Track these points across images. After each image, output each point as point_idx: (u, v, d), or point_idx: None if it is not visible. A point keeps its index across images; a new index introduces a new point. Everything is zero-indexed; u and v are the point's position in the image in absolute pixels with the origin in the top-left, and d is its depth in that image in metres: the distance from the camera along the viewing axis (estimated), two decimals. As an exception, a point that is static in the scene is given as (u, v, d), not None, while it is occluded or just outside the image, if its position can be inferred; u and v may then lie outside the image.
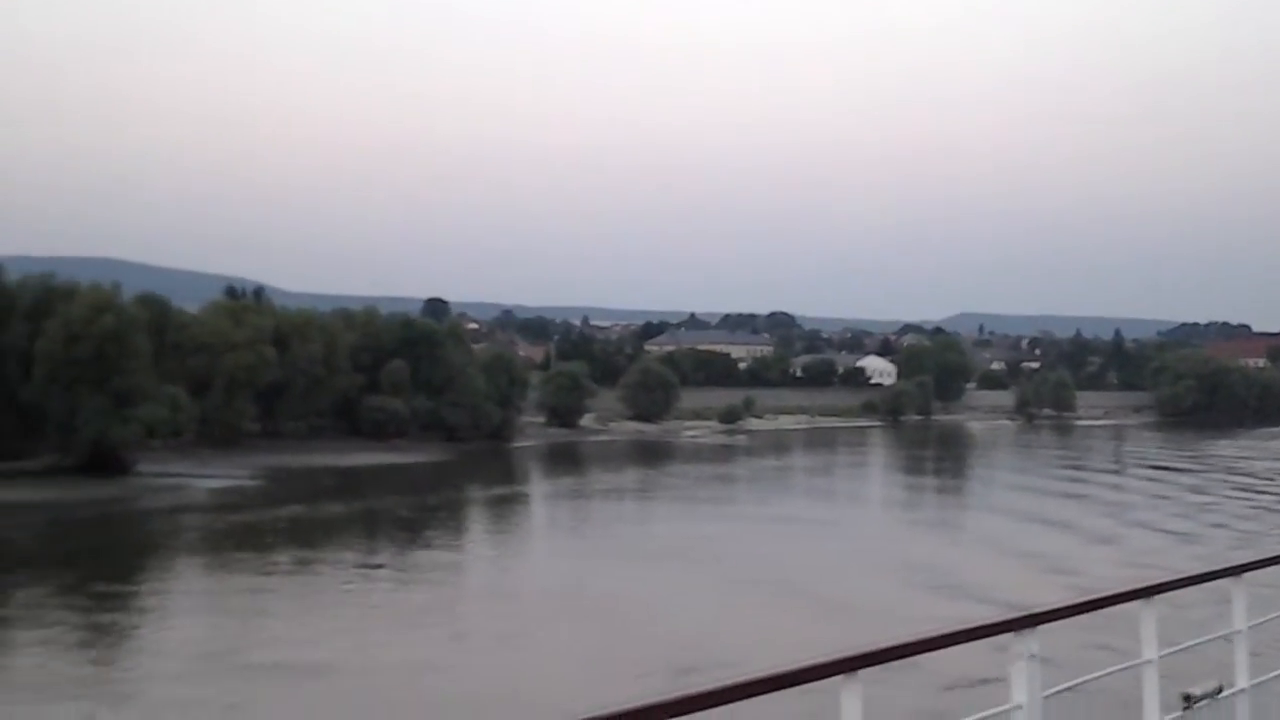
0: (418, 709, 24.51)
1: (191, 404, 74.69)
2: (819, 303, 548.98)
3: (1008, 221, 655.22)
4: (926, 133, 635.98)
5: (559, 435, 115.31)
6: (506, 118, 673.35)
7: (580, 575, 41.74)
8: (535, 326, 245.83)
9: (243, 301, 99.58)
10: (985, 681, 11.91)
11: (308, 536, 51.87)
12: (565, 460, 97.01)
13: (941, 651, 4.38)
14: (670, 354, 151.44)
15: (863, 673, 3.88)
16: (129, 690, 26.62)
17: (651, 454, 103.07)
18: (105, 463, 69.65)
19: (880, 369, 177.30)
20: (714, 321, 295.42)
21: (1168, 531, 52.46)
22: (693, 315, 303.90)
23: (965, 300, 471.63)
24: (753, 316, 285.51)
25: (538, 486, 79.75)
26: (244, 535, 51.01)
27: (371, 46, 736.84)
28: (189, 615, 35.01)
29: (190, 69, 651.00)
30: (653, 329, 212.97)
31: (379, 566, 45.30)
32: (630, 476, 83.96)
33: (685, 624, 31.28)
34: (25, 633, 32.49)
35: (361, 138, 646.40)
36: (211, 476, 69.62)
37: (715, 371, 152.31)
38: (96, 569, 42.90)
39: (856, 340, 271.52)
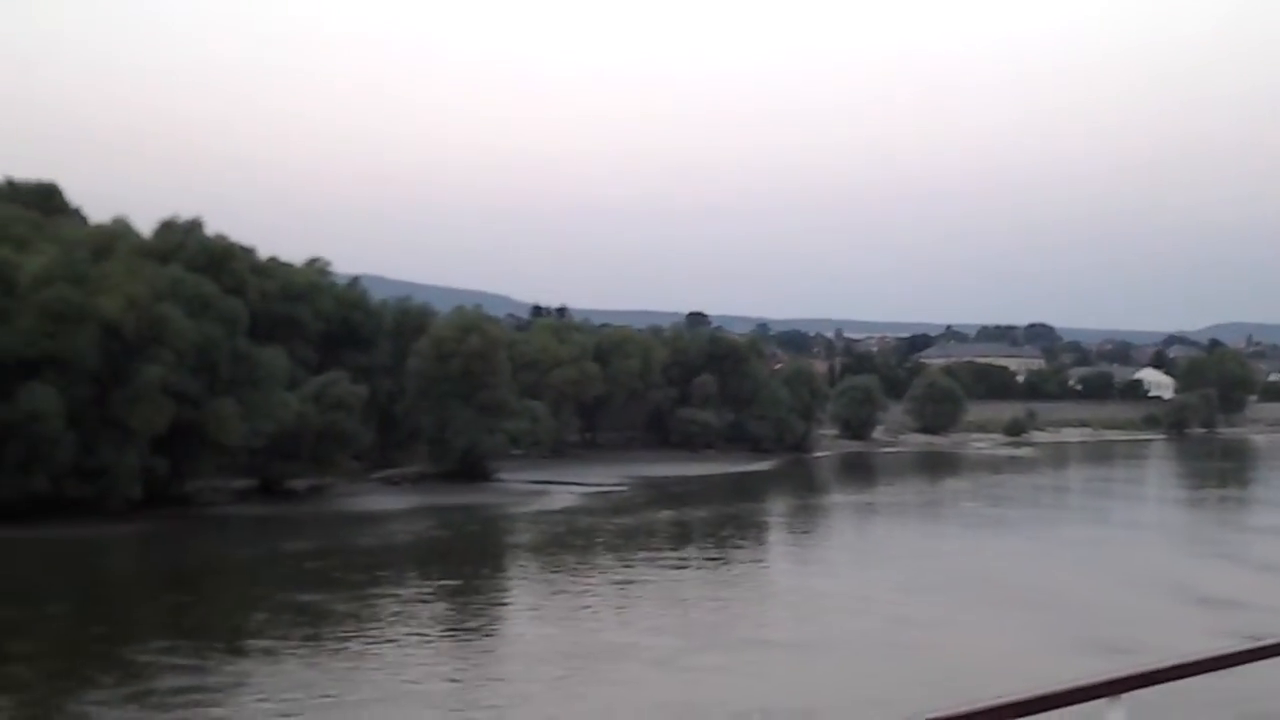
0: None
1: (548, 417, 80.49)
2: (1072, 313, 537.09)
3: (1260, 227, 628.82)
4: (1167, 140, 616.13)
5: (852, 447, 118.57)
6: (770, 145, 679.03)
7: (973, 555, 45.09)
8: (795, 340, 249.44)
9: (566, 320, 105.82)
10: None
11: (691, 534, 56.66)
12: (870, 471, 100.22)
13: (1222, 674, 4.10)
14: (949, 367, 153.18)
15: (1127, 696, 3.67)
16: (663, 657, 31.09)
17: (948, 465, 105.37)
18: (471, 471, 76.12)
19: (1157, 381, 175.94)
20: (971, 333, 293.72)
21: None
22: (949, 327, 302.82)
23: (1225, 310, 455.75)
24: (1011, 328, 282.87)
25: (876, 494, 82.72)
26: (639, 533, 55.97)
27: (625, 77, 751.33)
28: (647, 602, 39.68)
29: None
30: (919, 342, 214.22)
31: (764, 561, 49.74)
32: (946, 487, 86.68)
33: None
34: (519, 610, 37.60)
35: (624, 163, 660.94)
36: (570, 483, 75.21)
37: (994, 384, 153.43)
38: (548, 559, 48.26)
39: (1120, 351, 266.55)
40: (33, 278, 54.18)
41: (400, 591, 41.13)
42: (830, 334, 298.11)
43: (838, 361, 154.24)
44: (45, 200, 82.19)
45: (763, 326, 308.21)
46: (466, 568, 47.39)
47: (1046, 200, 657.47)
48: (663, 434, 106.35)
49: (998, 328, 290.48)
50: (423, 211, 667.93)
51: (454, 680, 29.18)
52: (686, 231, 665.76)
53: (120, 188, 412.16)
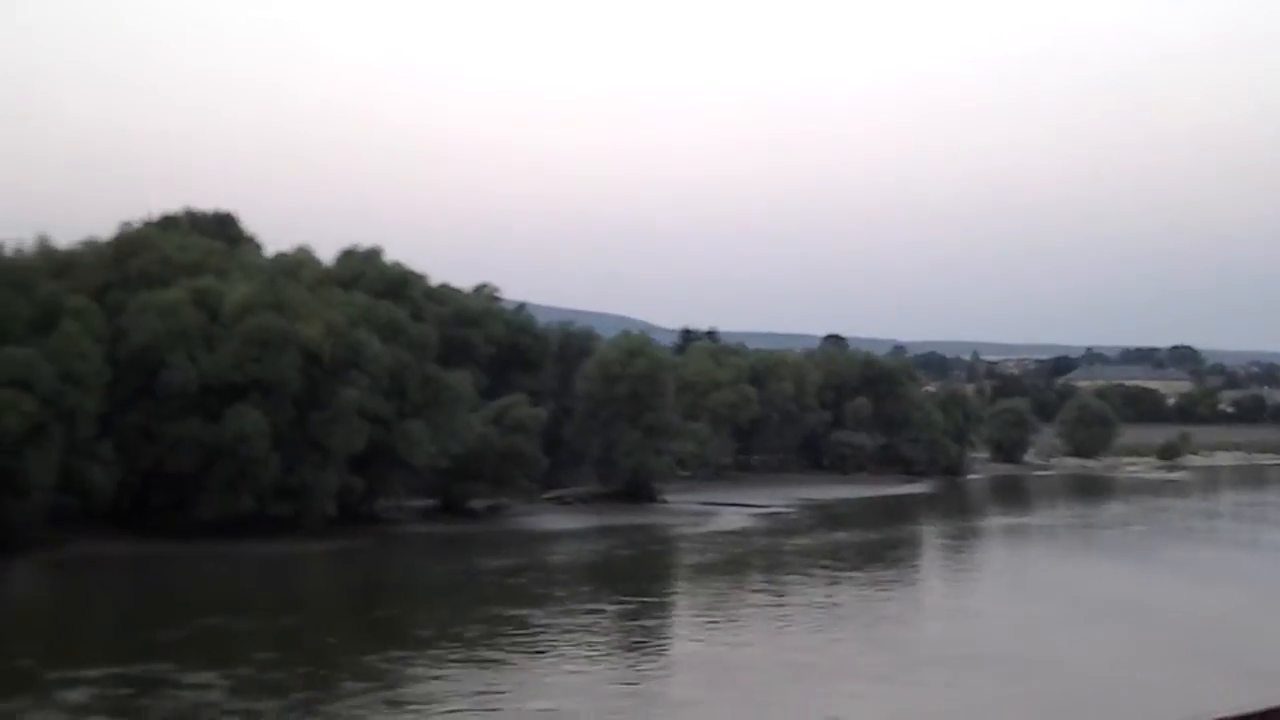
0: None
1: (712, 439, 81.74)
2: (1213, 333, 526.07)
3: None
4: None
5: (1004, 470, 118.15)
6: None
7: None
8: (933, 362, 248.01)
9: (722, 344, 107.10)
10: None
11: (868, 555, 57.40)
12: (1026, 494, 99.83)
13: None
14: (1099, 390, 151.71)
15: None
16: (885, 674, 32.01)
17: (1104, 489, 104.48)
18: (637, 492, 77.61)
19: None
20: (1112, 355, 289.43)
21: None
22: (1088, 349, 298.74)
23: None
24: (1154, 350, 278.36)
25: (1038, 518, 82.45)
26: (818, 554, 56.84)
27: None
28: (849, 621, 40.60)
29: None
30: (1062, 364, 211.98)
31: (948, 582, 50.30)
32: (1110, 511, 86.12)
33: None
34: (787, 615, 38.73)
35: (764, 185, 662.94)
36: (736, 505, 76.35)
37: (1144, 408, 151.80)
38: (737, 578, 49.40)
39: (1267, 373, 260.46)
40: (236, 305, 56.76)
41: (605, 607, 42.51)
42: (966, 356, 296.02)
43: (986, 384, 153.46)
44: (224, 229, 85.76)
45: (899, 348, 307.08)
46: (660, 585, 48.73)
47: (1186, 222, 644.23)
48: (814, 456, 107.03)
49: (1139, 350, 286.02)
50: (560, 236, 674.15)
51: (704, 687, 30.32)
52: (820, 253, 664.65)
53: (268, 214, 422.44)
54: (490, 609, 42.07)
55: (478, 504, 68.74)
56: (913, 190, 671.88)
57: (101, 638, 37.41)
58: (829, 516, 73.70)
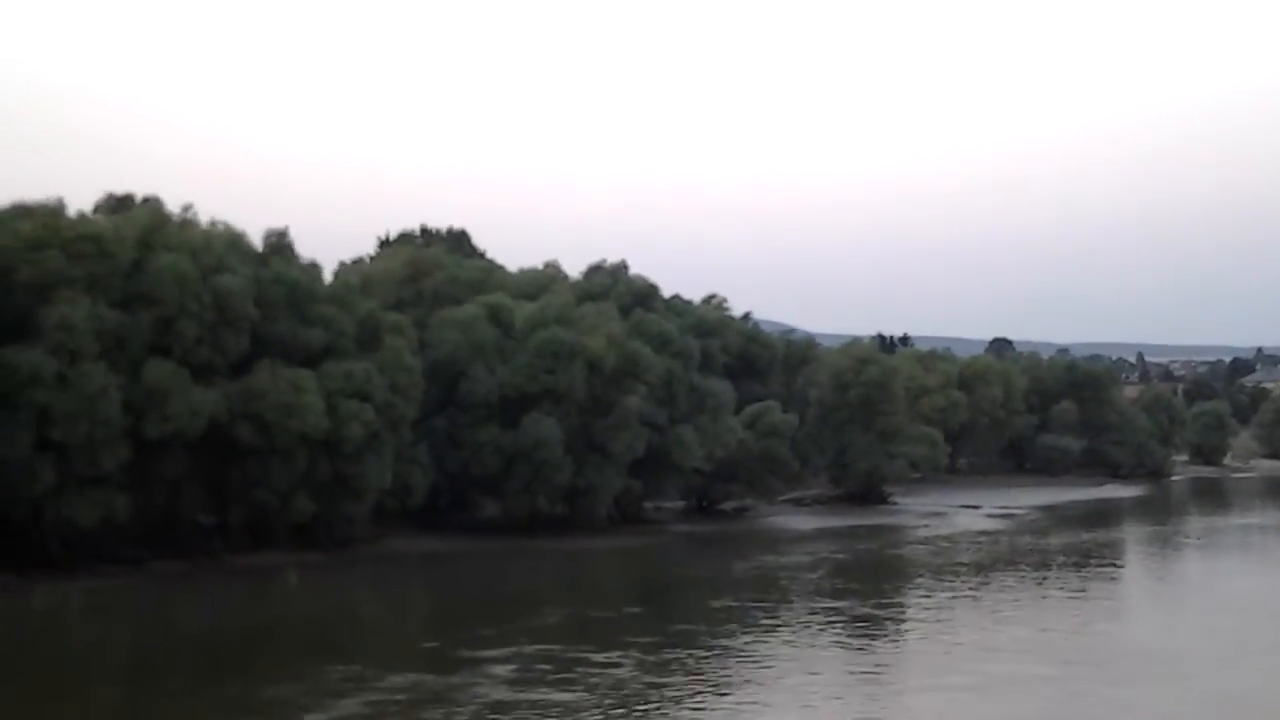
0: None
1: (942, 443, 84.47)
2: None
3: None
4: None
5: (1204, 472, 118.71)
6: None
7: None
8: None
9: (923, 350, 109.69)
10: None
11: (1132, 552, 59.89)
12: (1233, 497, 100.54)
13: None
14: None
15: None
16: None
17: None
18: (868, 495, 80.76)
19: None
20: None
21: None
22: (1259, 350, 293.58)
23: None
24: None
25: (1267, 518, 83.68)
26: (1076, 552, 59.40)
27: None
28: (1156, 612, 43.31)
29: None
30: (1240, 366, 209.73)
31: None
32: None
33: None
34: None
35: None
36: (968, 507, 79.05)
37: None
38: (1004, 574, 52.32)
39: None
40: (526, 320, 61.19)
41: (908, 600, 45.79)
42: (1130, 358, 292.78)
43: (1179, 387, 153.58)
44: (458, 245, 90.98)
45: (1063, 351, 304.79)
46: (947, 581, 51.38)
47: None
48: (1018, 460, 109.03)
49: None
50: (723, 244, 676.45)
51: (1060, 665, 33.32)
52: (986, 261, 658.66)
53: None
54: (812, 601, 45.53)
55: (725, 506, 72.49)
56: (1074, 205, 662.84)
57: (474, 623, 41.30)
58: (1064, 518, 75.99)
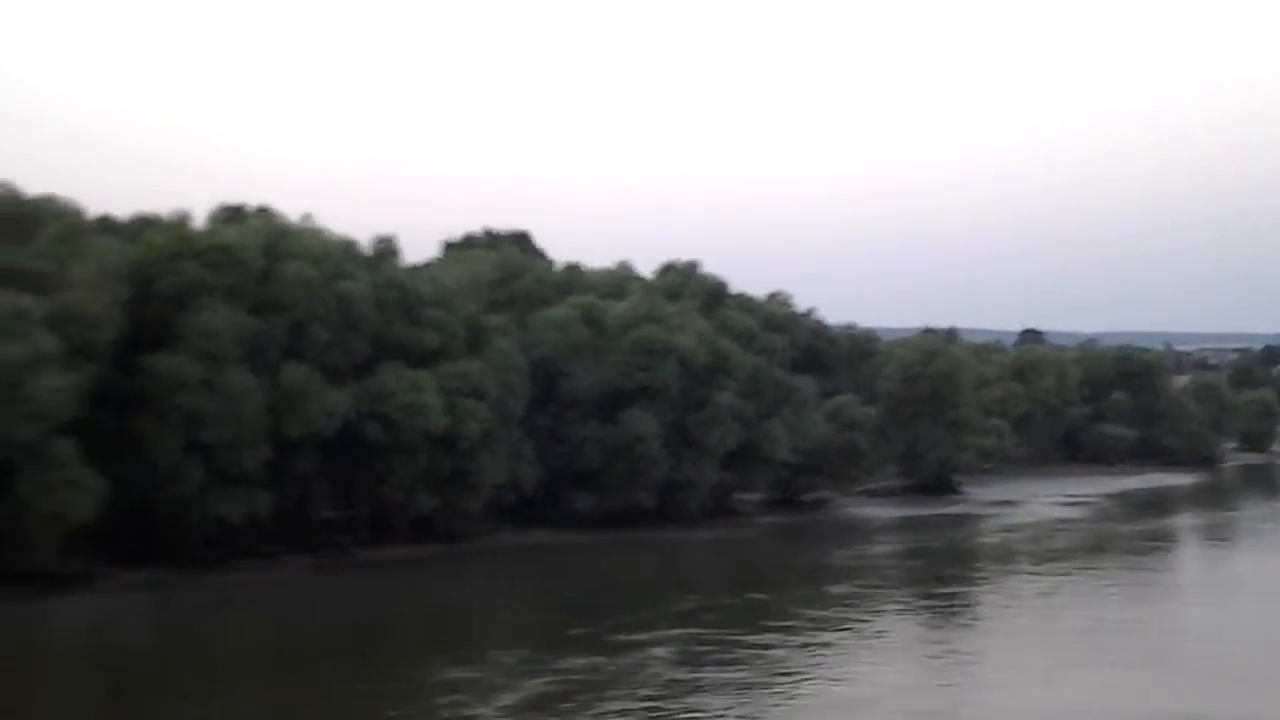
0: None
1: (1011, 434, 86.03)
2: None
3: None
4: None
5: (1253, 459, 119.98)
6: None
7: None
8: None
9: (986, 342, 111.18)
10: None
11: (1216, 535, 61.54)
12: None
13: None
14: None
15: None
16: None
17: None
18: (937, 485, 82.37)
19: None
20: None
21: None
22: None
23: None
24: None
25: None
26: (1164, 537, 61.20)
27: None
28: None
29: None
30: (1275, 354, 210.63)
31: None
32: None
33: None
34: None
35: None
36: (1037, 496, 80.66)
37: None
38: (1104, 558, 54.06)
39: None
40: (619, 319, 63.01)
41: (1020, 584, 47.54)
42: (1159, 346, 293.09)
43: (1224, 375, 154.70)
44: (521, 246, 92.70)
45: (1091, 340, 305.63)
46: (1050, 565, 52.99)
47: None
48: (1072, 449, 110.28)
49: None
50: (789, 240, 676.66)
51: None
52: (1010, 250, 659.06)
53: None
54: (929, 585, 47.33)
55: (804, 497, 74.20)
56: (1092, 191, 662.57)
57: (611, 611, 42.93)
58: (1134, 504, 77.66)
